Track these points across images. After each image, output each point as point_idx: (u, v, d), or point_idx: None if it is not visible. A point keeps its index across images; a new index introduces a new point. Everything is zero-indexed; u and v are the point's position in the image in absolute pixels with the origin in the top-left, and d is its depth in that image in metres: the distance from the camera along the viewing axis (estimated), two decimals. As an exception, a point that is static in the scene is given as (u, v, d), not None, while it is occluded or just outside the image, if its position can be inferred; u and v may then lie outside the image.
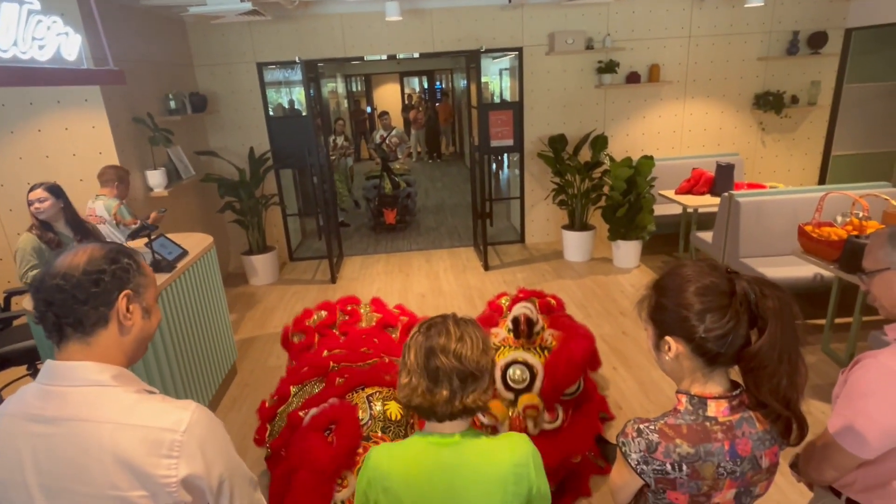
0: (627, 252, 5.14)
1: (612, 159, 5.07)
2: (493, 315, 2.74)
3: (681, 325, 0.98)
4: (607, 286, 4.81)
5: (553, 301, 3.09)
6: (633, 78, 5.50)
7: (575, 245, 5.43)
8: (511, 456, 1.10)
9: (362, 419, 1.96)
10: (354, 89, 14.61)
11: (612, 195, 4.95)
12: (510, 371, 2.16)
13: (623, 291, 4.68)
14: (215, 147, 5.41)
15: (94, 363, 0.89)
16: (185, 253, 3.01)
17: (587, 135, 5.38)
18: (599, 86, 5.55)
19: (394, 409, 2.01)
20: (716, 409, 0.99)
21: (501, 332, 2.40)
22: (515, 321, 2.29)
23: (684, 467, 0.96)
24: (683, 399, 1.02)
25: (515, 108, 5.50)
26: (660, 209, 5.31)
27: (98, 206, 3.29)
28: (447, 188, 9.89)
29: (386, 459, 1.13)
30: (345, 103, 13.59)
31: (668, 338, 1.00)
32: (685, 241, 5.12)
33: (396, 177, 6.85)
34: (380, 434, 1.95)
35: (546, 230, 6.07)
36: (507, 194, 7.47)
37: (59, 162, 3.68)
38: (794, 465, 1.33)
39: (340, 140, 7.41)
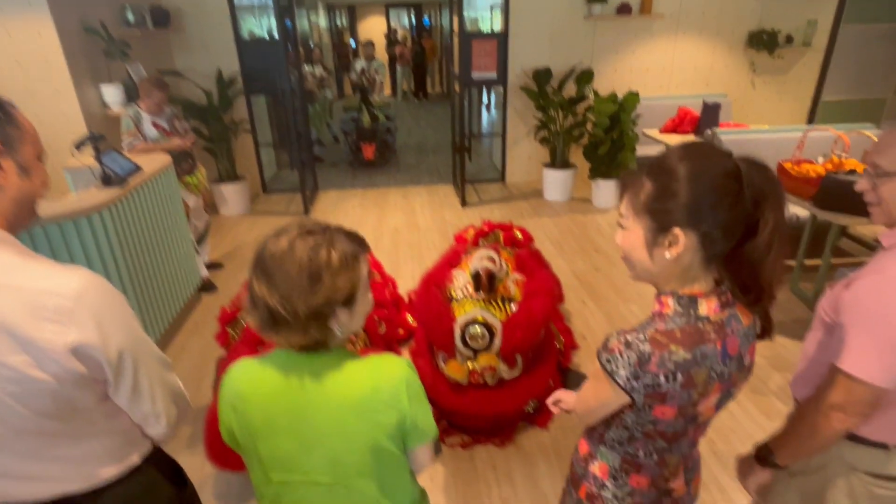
0: (607, 191, 5.05)
1: (596, 94, 4.89)
2: (457, 253, 2.65)
3: (695, 213, 0.84)
4: (584, 225, 4.75)
5: (520, 234, 3.02)
6: (624, 9, 5.23)
7: (555, 184, 5.32)
8: (373, 380, 0.94)
9: None
10: (338, 23, 13.90)
11: (594, 132, 4.80)
12: (470, 329, 2.12)
13: (599, 230, 4.62)
14: (181, 68, 5.10)
15: None
16: (137, 169, 2.84)
17: (573, 69, 5.16)
18: (589, 17, 5.27)
19: None
20: (707, 307, 0.89)
21: (462, 278, 2.33)
22: (476, 276, 2.22)
23: (679, 376, 0.86)
24: (670, 301, 0.90)
25: (500, 39, 5.22)
26: (643, 150, 5.17)
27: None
28: (431, 127, 9.60)
29: (238, 375, 0.98)
30: (327, 36, 12.95)
31: (676, 230, 0.86)
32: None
33: (375, 110, 6.58)
34: None
35: (527, 169, 5.93)
36: (491, 134, 7.26)
37: (2, 69, 3.42)
38: (761, 458, 1.20)
39: (318, 70, 7.07)
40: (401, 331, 2.52)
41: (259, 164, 5.65)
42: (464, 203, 5.28)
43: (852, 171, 3.02)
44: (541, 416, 2.44)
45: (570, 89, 5.28)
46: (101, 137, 2.62)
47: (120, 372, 0.90)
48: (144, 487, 1.04)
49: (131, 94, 4.01)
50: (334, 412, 0.94)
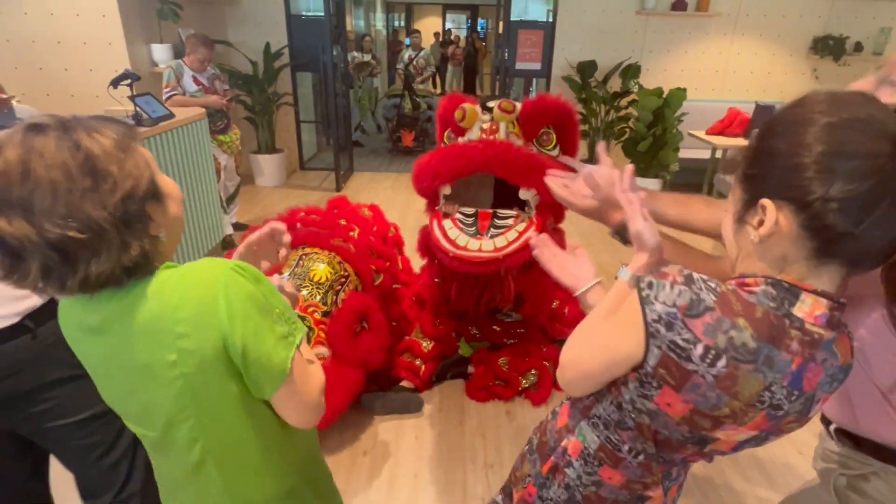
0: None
1: (641, 87, 4.73)
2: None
3: (791, 178, 0.61)
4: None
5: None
6: (679, 5, 5.04)
7: (591, 180, 5.16)
8: (177, 291, 0.68)
9: (283, 273, 1.93)
10: (395, 23, 14.21)
11: (636, 127, 4.64)
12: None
13: (632, 228, 4.44)
14: (232, 41, 5.27)
15: None
16: (170, 115, 2.93)
17: (620, 63, 5.02)
18: (641, 11, 5.11)
19: (319, 271, 1.99)
20: (809, 309, 0.63)
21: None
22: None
23: (721, 364, 0.62)
24: (761, 281, 0.65)
25: (547, 29, 5.16)
26: (687, 152, 4.95)
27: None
28: (475, 126, 9.58)
29: (63, 309, 0.77)
30: (383, 35, 13.23)
31: (764, 201, 0.63)
32: (709, 188, 4.79)
33: (418, 98, 6.61)
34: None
35: (565, 166, 5.78)
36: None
37: (63, 18, 3.62)
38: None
39: (367, 57, 7.18)
40: (397, 286, 2.47)
41: (299, 140, 5.76)
42: (495, 192, 5.20)
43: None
44: (538, 393, 2.33)
45: (615, 85, 5.13)
46: (138, 77, 2.71)
47: None
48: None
49: (180, 56, 4.16)
50: (134, 343, 0.70)
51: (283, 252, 0.96)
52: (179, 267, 0.72)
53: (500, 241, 1.92)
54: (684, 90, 4.50)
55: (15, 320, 1.09)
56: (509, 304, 2.40)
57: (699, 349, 0.62)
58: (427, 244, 2.15)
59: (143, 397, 0.74)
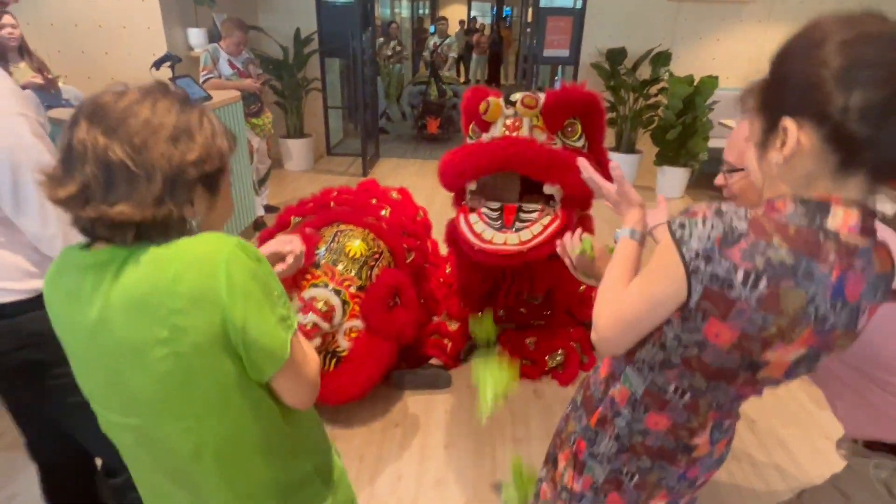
0: (673, 180, 4.81)
1: (671, 74, 4.67)
2: None
3: (810, 94, 0.62)
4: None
5: None
6: (712, -9, 4.95)
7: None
8: (175, 264, 0.65)
9: (318, 248, 1.99)
10: (420, 12, 14.18)
11: (665, 115, 4.59)
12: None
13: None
14: (263, 27, 5.35)
15: None
16: (207, 97, 3.01)
17: (650, 51, 4.95)
18: (673, -3, 5.03)
19: (354, 247, 2.04)
20: (842, 220, 0.64)
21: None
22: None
23: (762, 284, 0.63)
24: (788, 202, 0.66)
25: (576, 16, 5.11)
26: (717, 143, 4.88)
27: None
28: (499, 114, 9.54)
29: (51, 279, 0.74)
30: (408, 24, 13.23)
31: (786, 120, 0.64)
32: (739, 177, 4.72)
33: (444, 85, 6.63)
34: (331, 265, 1.99)
35: (591, 155, 5.75)
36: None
37: (104, 5, 3.72)
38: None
39: (393, 44, 7.21)
40: (427, 265, 2.52)
41: (326, 126, 5.83)
42: (520, 179, 5.21)
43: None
44: (565, 373, 2.36)
45: (644, 73, 5.07)
46: (179, 59, 2.79)
47: None
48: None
49: (214, 40, 4.25)
50: (123, 316, 0.66)
51: (280, 267, 1.01)
52: (179, 240, 0.67)
53: (526, 235, 1.97)
54: (716, 78, 4.44)
55: (31, 295, 1.09)
56: (539, 297, 2.43)
57: (740, 275, 0.64)
58: (453, 237, 2.20)
59: (128, 379, 0.69)
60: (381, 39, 7.09)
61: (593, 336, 0.82)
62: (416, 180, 5.21)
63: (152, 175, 0.64)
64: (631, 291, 0.76)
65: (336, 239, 2.06)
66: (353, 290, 1.97)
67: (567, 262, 1.11)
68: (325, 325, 1.88)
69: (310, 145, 5.37)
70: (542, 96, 2.05)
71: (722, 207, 0.67)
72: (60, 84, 3.08)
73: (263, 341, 0.68)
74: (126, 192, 0.64)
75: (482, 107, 2.07)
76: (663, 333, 0.75)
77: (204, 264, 0.65)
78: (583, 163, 1.07)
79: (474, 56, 12.71)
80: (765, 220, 0.65)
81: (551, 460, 1.10)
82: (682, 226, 0.68)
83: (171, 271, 0.64)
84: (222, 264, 0.65)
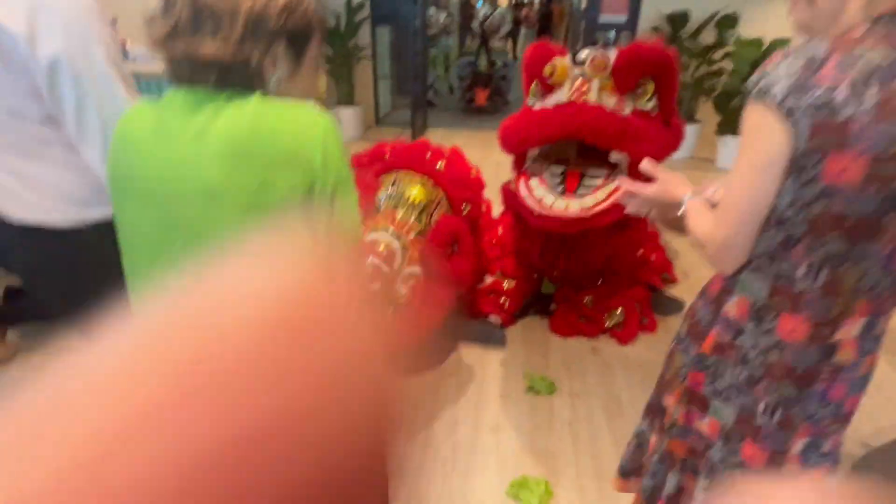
0: (735, 151, 4.57)
1: (738, 38, 4.41)
2: None
3: None
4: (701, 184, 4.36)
5: None
6: (787, -52, 4.62)
7: (675, 139, 4.93)
8: (275, 121, 0.66)
9: (380, 194, 2.00)
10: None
11: (731, 81, 4.35)
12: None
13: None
14: (316, -5, 5.37)
15: None
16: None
17: (714, 14, 4.69)
18: (742, -44, 4.73)
19: (414, 192, 2.04)
20: None
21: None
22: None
23: (872, 88, 0.58)
24: (861, 25, 0.63)
25: (636, -23, 4.88)
26: (785, 111, 4.62)
27: None
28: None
29: (128, 114, 0.73)
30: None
31: None
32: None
33: (494, 55, 6.51)
34: (391, 210, 1.99)
35: (646, 126, 5.54)
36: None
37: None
38: None
39: (444, 15, 7.11)
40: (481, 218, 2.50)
41: (375, 96, 5.84)
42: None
43: None
44: (624, 332, 2.29)
45: (706, 38, 4.81)
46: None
47: (54, 83, 0.85)
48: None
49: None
50: (216, 158, 0.65)
51: None
52: (278, 100, 0.69)
53: (589, 201, 1.90)
54: (788, 41, 4.16)
55: (73, 224, 1.05)
56: (598, 267, 2.35)
57: (842, 91, 0.60)
58: (511, 203, 2.14)
59: (192, 222, 0.67)
60: (433, 9, 7.01)
61: (709, 251, 0.75)
62: (465, 151, 5.15)
63: (236, 15, 0.66)
64: (733, 177, 0.72)
65: (395, 184, 2.05)
66: (412, 235, 1.96)
67: (652, 213, 0.99)
68: (385, 269, 1.88)
69: (359, 113, 5.40)
70: (612, 55, 1.95)
71: (792, 47, 0.64)
72: (129, 44, 3.24)
73: (343, 215, 0.71)
74: (212, 28, 0.65)
75: (547, 70, 1.99)
76: (775, 209, 0.70)
77: (304, 127, 0.67)
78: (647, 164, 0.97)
79: (522, 30, 12.45)
80: (844, 38, 0.62)
81: (656, 409, 0.99)
82: (760, 78, 0.66)
83: (271, 125, 0.66)
84: (320, 135, 0.68)
